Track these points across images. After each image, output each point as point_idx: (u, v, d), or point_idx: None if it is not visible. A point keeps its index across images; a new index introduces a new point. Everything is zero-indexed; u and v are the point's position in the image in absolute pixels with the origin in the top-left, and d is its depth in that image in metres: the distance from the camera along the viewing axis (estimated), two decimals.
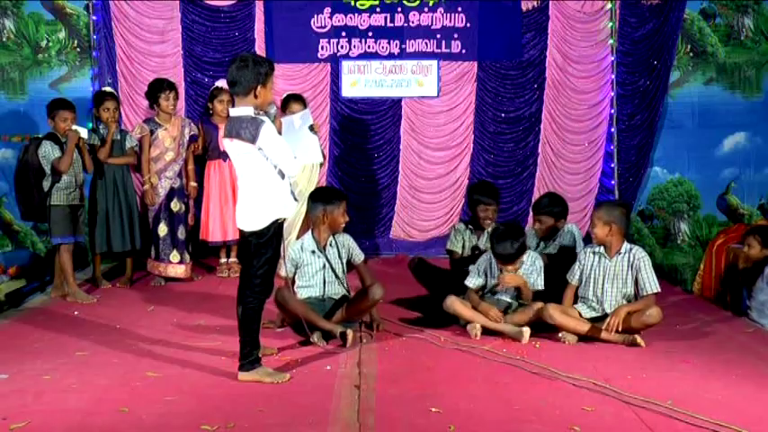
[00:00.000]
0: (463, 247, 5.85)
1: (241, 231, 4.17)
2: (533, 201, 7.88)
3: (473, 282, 5.18)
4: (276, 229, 4.08)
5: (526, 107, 8.05)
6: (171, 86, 6.59)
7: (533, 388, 3.97)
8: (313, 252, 5.01)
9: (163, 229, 6.55)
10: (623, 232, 4.93)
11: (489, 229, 5.61)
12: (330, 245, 5.05)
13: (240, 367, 4.08)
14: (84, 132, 6.00)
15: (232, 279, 6.64)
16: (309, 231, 5.11)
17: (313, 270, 5.03)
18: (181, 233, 6.61)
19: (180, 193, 6.65)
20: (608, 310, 4.87)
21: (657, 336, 4.84)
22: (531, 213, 7.97)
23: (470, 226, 5.89)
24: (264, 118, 3.99)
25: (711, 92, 8.03)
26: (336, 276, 5.04)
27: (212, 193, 6.92)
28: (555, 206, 5.60)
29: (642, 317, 4.72)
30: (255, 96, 3.97)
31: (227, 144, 4.08)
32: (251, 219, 4.07)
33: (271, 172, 4.02)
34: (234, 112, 4.06)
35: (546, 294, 5.06)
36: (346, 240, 5.16)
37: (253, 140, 3.92)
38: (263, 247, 4.04)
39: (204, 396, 3.85)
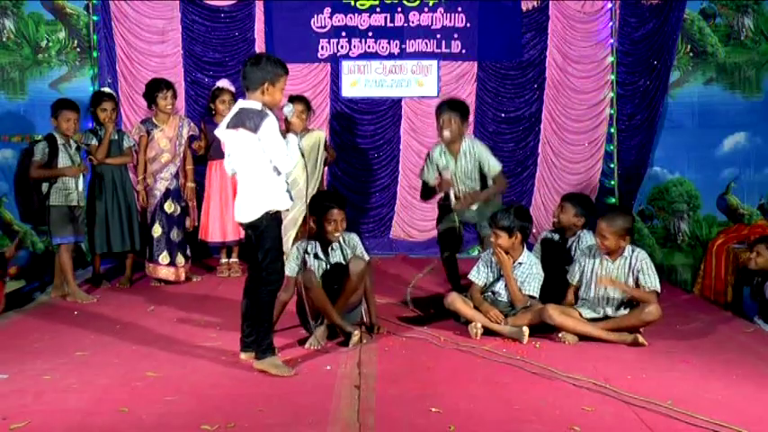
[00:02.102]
0: (439, 172, 5.80)
1: (243, 227, 4.30)
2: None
3: (476, 276, 5.18)
4: (270, 220, 4.17)
5: (526, 107, 8.06)
6: (168, 86, 6.56)
7: (533, 388, 3.97)
8: (316, 255, 4.98)
9: (157, 230, 6.52)
10: (630, 240, 4.91)
11: (462, 149, 5.69)
12: (332, 248, 5.01)
13: (255, 356, 4.21)
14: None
15: (232, 279, 6.65)
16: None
17: (318, 274, 4.99)
18: (175, 235, 6.56)
19: (175, 194, 6.61)
20: (609, 313, 4.87)
21: (658, 336, 4.83)
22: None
23: (444, 149, 5.77)
24: (269, 112, 4.10)
25: (711, 92, 8.03)
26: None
27: (213, 194, 6.90)
28: (580, 202, 5.45)
29: (641, 314, 4.71)
30: (263, 93, 4.10)
31: (231, 134, 4.16)
32: (245, 210, 4.21)
33: (266, 165, 4.13)
34: (242, 103, 4.18)
35: (546, 294, 5.06)
36: (352, 240, 5.04)
37: (255, 130, 4.04)
38: (260, 239, 4.17)
39: (204, 396, 3.85)
